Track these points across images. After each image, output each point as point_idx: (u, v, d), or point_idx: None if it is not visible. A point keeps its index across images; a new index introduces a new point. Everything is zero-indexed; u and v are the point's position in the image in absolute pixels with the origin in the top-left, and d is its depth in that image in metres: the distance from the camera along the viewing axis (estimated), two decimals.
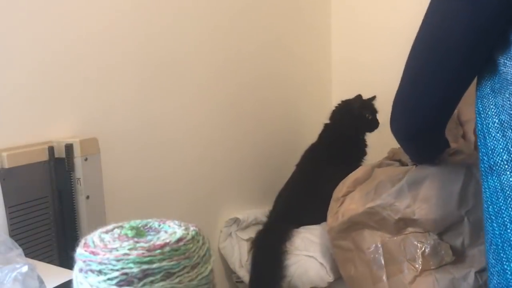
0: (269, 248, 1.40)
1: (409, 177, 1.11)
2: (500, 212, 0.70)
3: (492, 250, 0.72)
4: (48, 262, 0.97)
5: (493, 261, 0.72)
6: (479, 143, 0.76)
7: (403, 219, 1.09)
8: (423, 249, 1.07)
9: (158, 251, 0.48)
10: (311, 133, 1.60)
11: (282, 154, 1.71)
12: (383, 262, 1.11)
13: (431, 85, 0.80)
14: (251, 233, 1.48)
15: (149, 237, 0.50)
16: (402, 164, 1.26)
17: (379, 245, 1.12)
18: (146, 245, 0.48)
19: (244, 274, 1.44)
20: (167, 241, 0.49)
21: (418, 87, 0.82)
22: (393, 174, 1.17)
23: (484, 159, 0.74)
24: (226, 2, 1.48)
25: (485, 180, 0.74)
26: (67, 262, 0.99)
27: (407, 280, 1.07)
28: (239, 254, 1.47)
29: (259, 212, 1.55)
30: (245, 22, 1.56)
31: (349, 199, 1.21)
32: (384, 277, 1.10)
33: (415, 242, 1.08)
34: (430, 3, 0.78)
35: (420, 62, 0.81)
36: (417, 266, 1.07)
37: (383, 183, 1.15)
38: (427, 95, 0.81)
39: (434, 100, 0.81)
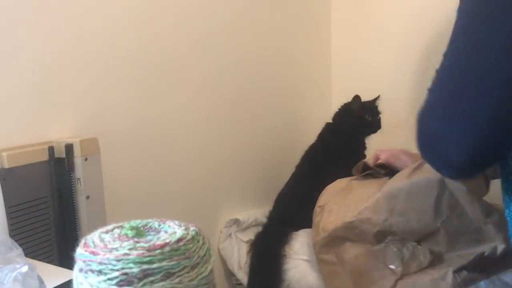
0: (268, 252, 1.39)
1: (384, 191, 1.13)
2: None
3: None
4: (48, 262, 0.96)
5: None
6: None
7: (382, 231, 1.11)
8: (402, 255, 1.10)
9: (158, 251, 0.48)
10: (311, 134, 1.60)
11: (282, 154, 1.71)
12: (364, 271, 1.13)
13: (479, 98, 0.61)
14: (251, 234, 1.47)
15: (149, 237, 0.50)
16: (375, 176, 1.28)
17: (360, 256, 1.14)
18: (146, 245, 0.48)
19: (242, 276, 1.44)
20: (167, 241, 0.49)
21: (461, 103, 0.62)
22: (368, 187, 1.20)
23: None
24: (226, 3, 1.48)
25: None
26: (67, 262, 0.98)
27: (389, 285, 1.09)
28: (238, 256, 1.46)
29: (259, 213, 1.54)
30: (245, 22, 1.56)
31: (327, 212, 1.24)
32: (366, 286, 1.12)
33: (395, 249, 1.11)
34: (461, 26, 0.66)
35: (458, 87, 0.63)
36: (397, 271, 1.09)
37: (359, 196, 1.18)
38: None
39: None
